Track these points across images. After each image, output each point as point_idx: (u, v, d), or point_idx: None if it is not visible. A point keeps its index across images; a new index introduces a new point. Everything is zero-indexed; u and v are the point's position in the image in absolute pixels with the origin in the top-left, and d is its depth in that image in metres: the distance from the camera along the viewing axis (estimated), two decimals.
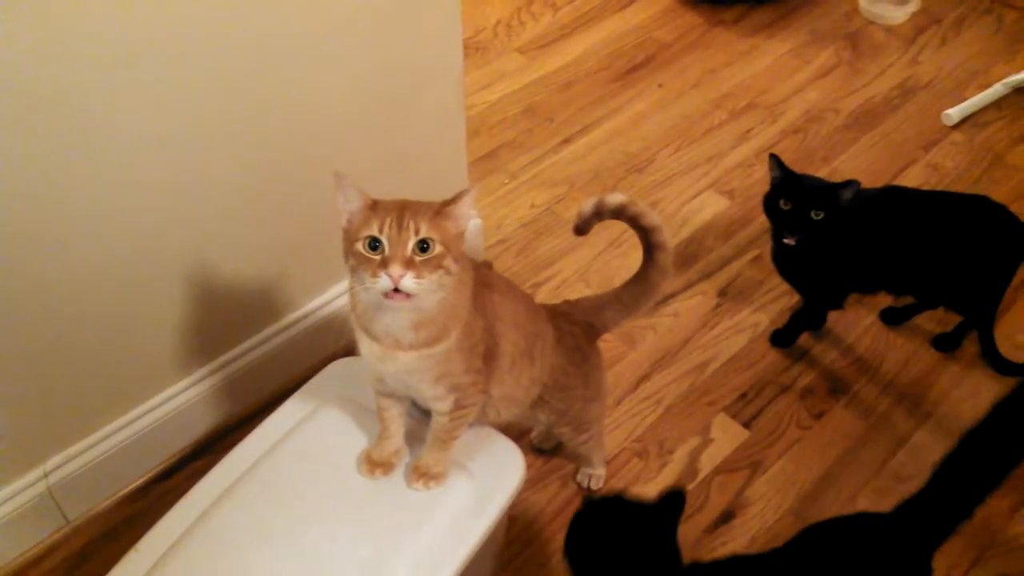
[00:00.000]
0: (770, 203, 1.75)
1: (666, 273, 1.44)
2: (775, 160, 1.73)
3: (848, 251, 1.77)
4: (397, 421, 1.27)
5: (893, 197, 1.84)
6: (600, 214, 1.39)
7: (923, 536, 1.24)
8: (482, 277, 1.22)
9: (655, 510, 1.12)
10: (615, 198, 1.37)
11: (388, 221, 1.04)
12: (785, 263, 1.87)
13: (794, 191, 1.71)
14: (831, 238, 1.73)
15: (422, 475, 1.25)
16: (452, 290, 1.09)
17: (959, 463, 1.23)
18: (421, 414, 1.30)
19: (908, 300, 1.99)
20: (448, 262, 1.06)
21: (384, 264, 1.03)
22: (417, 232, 1.04)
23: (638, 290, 1.47)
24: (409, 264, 1.03)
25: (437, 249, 1.05)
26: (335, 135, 1.62)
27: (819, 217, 1.69)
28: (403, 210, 1.05)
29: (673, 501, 1.11)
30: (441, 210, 1.08)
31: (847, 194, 1.68)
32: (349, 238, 1.08)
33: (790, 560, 1.22)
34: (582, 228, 1.42)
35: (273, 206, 1.61)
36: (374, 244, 1.04)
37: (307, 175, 1.61)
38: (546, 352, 1.38)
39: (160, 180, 1.42)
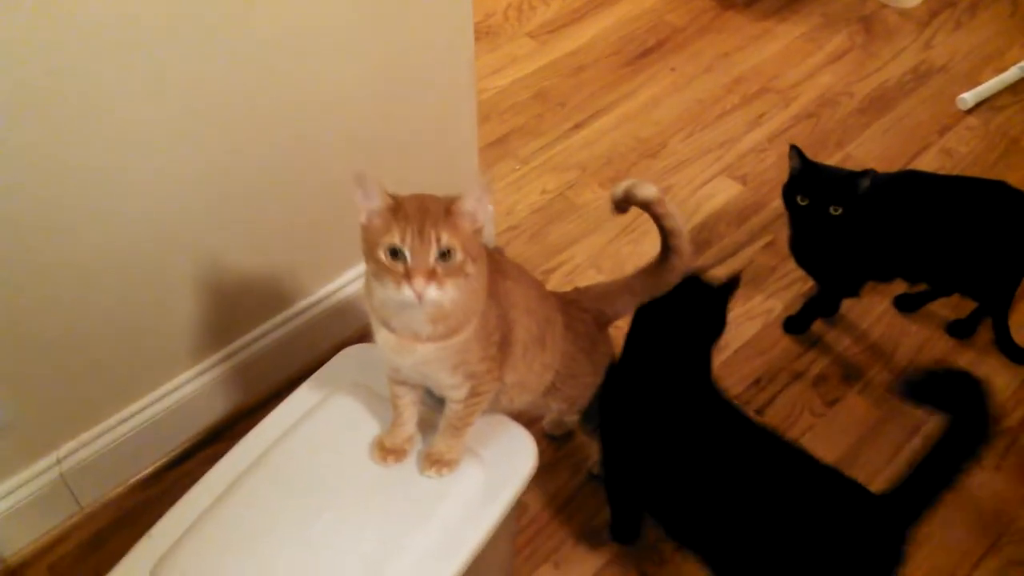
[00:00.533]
0: (788, 196, 1.73)
1: (679, 275, 1.44)
2: (795, 151, 1.71)
3: (866, 238, 1.76)
4: (410, 408, 1.27)
5: (910, 182, 1.82)
6: (629, 200, 1.38)
7: (899, 516, 1.26)
8: (495, 264, 1.21)
9: (718, 287, 1.47)
10: (647, 190, 1.36)
11: (409, 231, 1.02)
12: (802, 251, 1.86)
13: (811, 184, 1.70)
14: (849, 226, 1.71)
15: (435, 462, 1.25)
16: (470, 284, 1.08)
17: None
18: (434, 402, 1.29)
19: (922, 286, 1.98)
20: (468, 266, 1.05)
21: (408, 276, 1.02)
22: (439, 241, 1.03)
23: (649, 284, 1.46)
24: (432, 275, 1.02)
25: (459, 256, 1.04)
26: (344, 121, 1.61)
27: (837, 213, 1.68)
28: (424, 218, 1.03)
29: (732, 283, 1.48)
30: (452, 208, 1.06)
31: (864, 183, 1.67)
32: (369, 239, 1.06)
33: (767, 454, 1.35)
34: (621, 207, 1.41)
35: (283, 192, 1.61)
36: (395, 252, 1.04)
37: (318, 161, 1.60)
38: (556, 339, 1.37)
39: (167, 168, 1.41)
